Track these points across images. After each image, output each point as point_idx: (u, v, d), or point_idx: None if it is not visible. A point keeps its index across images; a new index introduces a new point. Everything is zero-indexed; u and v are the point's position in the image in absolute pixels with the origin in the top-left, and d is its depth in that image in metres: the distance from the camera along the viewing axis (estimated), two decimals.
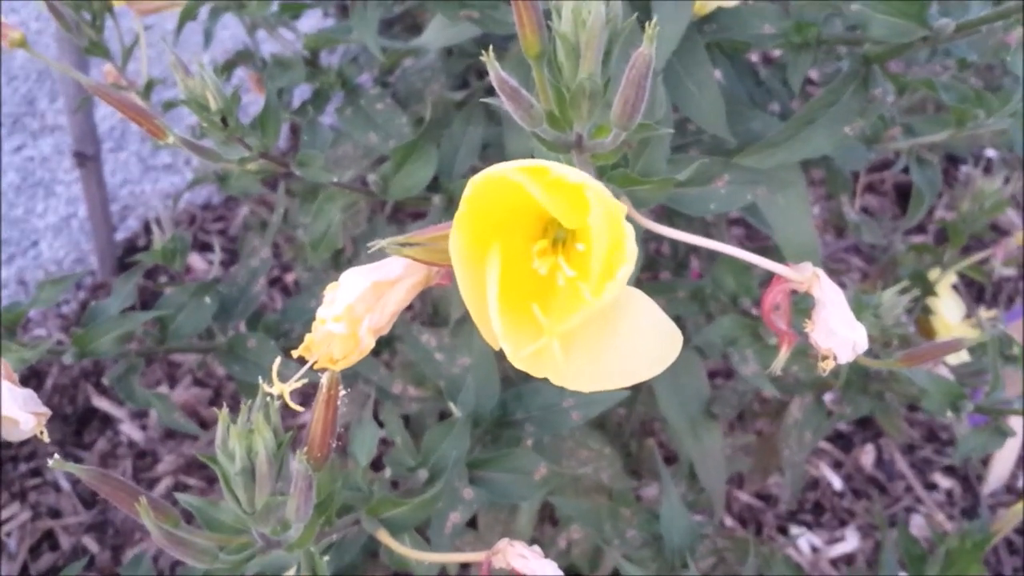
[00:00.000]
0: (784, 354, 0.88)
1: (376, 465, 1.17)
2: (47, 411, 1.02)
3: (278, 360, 0.72)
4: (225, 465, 0.78)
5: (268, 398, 0.75)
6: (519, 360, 0.66)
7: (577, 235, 0.70)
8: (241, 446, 0.77)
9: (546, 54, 0.76)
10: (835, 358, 0.83)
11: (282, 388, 0.71)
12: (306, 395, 0.77)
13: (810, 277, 0.84)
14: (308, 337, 0.74)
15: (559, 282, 0.69)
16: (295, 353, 0.73)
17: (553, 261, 0.69)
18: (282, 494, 0.80)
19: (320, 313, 0.74)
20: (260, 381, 0.75)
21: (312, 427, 0.78)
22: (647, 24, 0.70)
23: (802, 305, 0.99)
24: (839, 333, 0.83)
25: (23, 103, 3.12)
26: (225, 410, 0.79)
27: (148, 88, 1.58)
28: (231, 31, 3.18)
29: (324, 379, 0.76)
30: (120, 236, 2.70)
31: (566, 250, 0.71)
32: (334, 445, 0.81)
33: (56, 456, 0.75)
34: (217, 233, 2.73)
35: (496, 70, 0.71)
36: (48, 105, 3.11)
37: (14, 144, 2.99)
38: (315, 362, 0.74)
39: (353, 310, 0.73)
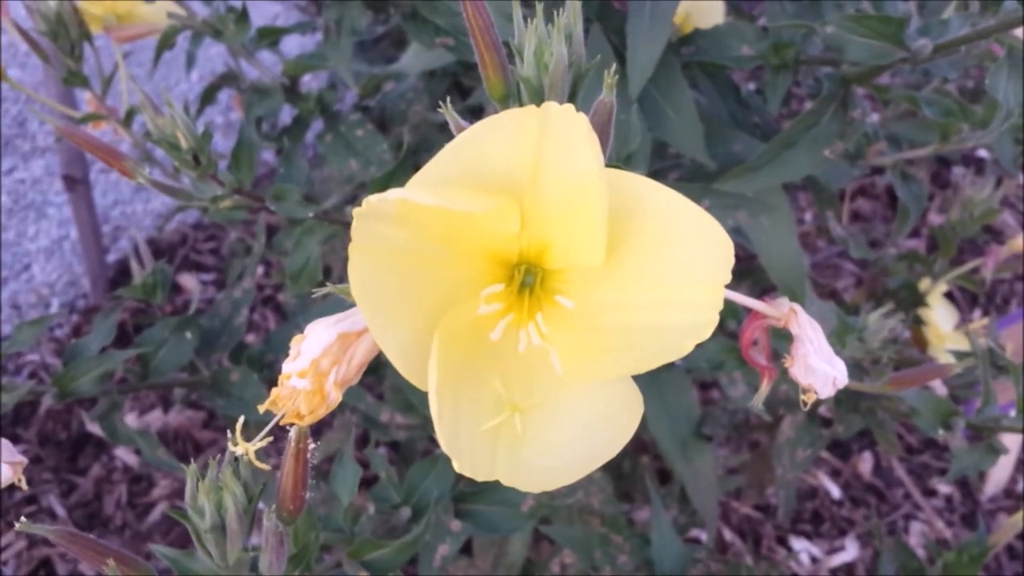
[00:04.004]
0: (765, 389, 0.87)
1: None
2: (23, 460, 1.00)
3: (241, 420, 0.71)
4: (195, 521, 0.77)
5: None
6: (468, 459, 0.60)
7: (563, 280, 0.63)
8: (210, 502, 0.76)
9: (512, 95, 0.75)
10: (816, 393, 0.82)
11: (246, 447, 0.70)
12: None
13: (787, 313, 0.83)
14: (274, 391, 0.72)
15: (519, 347, 0.61)
16: (261, 408, 0.72)
17: (517, 318, 0.62)
18: (255, 548, 0.80)
19: (285, 368, 0.72)
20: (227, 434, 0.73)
21: (283, 481, 0.77)
22: (623, 52, 0.69)
23: (786, 331, 0.97)
24: (818, 370, 0.81)
25: (14, 125, 3.11)
26: (193, 465, 0.78)
27: (128, 117, 1.57)
28: (220, 48, 3.17)
29: (292, 433, 0.75)
30: (112, 258, 2.69)
31: (538, 299, 0.64)
32: (307, 496, 0.80)
33: (23, 519, 0.74)
34: (209, 252, 2.72)
35: (455, 120, 0.70)
36: (39, 127, 3.10)
37: (5, 166, 2.98)
38: (282, 417, 0.72)
39: (318, 365, 0.71)
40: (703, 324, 0.59)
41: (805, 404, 0.83)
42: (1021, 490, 2.20)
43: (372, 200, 0.54)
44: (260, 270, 2.58)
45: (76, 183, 2.33)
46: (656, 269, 0.59)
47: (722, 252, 0.58)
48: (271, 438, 0.71)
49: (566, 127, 0.56)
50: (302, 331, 0.74)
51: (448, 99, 0.70)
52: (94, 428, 2.31)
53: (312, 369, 0.71)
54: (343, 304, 0.70)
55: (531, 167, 0.58)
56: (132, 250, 1.43)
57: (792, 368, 0.82)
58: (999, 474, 2.16)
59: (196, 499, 0.77)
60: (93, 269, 2.54)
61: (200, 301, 2.50)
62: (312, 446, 0.76)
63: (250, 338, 2.36)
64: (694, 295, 0.59)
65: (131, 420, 2.30)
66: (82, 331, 2.46)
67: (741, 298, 0.82)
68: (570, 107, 0.56)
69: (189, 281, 2.63)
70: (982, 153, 2.71)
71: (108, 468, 2.25)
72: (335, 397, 0.73)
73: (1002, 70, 1.01)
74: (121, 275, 2.63)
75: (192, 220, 2.80)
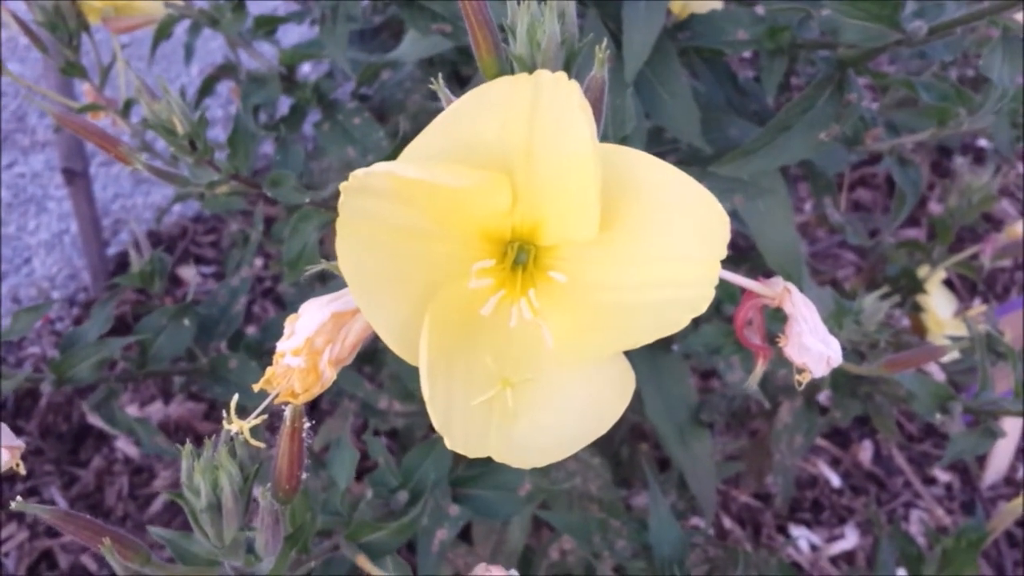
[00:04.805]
0: (760, 369, 0.88)
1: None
2: (21, 444, 1.01)
3: (236, 398, 0.71)
4: (191, 501, 0.78)
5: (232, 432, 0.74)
6: (460, 435, 0.60)
7: (556, 256, 0.63)
8: (206, 482, 0.76)
9: (505, 74, 0.75)
10: (810, 371, 0.83)
11: (241, 425, 0.70)
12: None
13: (781, 292, 0.83)
14: (268, 370, 0.73)
15: (510, 322, 0.61)
16: (255, 387, 0.72)
17: (509, 294, 0.62)
18: (251, 528, 0.80)
19: (279, 346, 0.72)
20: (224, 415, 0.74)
21: (278, 461, 0.77)
22: (619, 37, 0.68)
23: (781, 313, 0.98)
24: (812, 349, 0.82)
25: (13, 119, 3.11)
26: (189, 445, 0.78)
27: (127, 107, 1.57)
28: (219, 41, 3.17)
29: (288, 413, 0.75)
30: (113, 251, 2.70)
31: (531, 276, 0.64)
32: (303, 476, 0.80)
33: (19, 498, 0.74)
34: (209, 245, 2.72)
35: (445, 95, 0.70)
36: (38, 121, 3.11)
37: (5, 161, 2.98)
38: (276, 396, 0.73)
39: (312, 343, 0.72)
40: (698, 299, 0.59)
41: (800, 384, 0.84)
42: (1021, 477, 2.20)
43: (359, 174, 0.54)
44: (260, 262, 2.59)
45: (76, 176, 2.34)
46: (651, 244, 0.59)
47: (718, 227, 0.58)
48: (266, 416, 0.71)
49: (559, 94, 0.56)
50: None
51: (440, 75, 0.70)
52: (95, 420, 2.31)
53: (306, 347, 0.72)
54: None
55: (524, 136, 0.57)
56: (132, 242, 1.43)
57: (786, 347, 0.82)
58: (999, 462, 2.16)
59: (192, 479, 0.77)
60: (93, 262, 2.55)
61: (200, 293, 2.50)
62: (307, 426, 0.77)
63: (251, 330, 2.36)
64: (689, 270, 0.58)
65: (132, 412, 2.30)
66: (83, 324, 2.47)
67: (735, 277, 0.82)
68: (562, 75, 0.56)
69: (189, 273, 2.63)
70: (982, 142, 2.71)
71: (109, 460, 2.25)
72: (329, 375, 0.73)
73: (997, 51, 1.01)
74: (121, 268, 2.63)
75: (192, 213, 2.80)
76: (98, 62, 1.51)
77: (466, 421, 0.61)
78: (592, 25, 1.17)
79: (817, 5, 1.11)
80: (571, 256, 0.63)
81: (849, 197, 2.63)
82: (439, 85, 0.68)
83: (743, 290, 0.85)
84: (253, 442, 0.71)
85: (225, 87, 2.91)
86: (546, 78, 0.56)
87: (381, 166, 0.55)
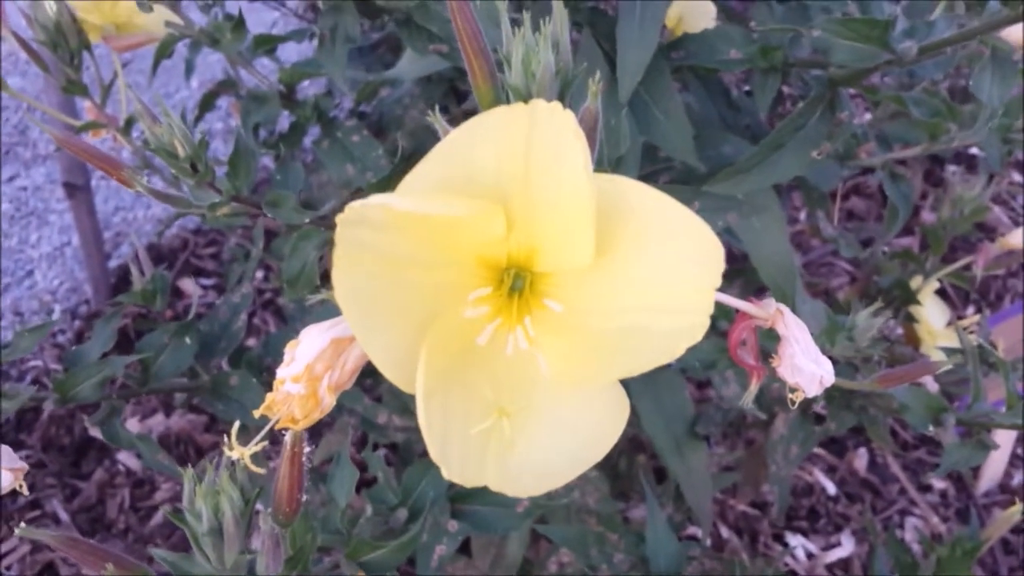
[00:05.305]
0: (753, 388, 0.88)
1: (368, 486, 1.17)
2: (24, 466, 1.02)
3: (236, 425, 0.72)
4: (193, 525, 0.79)
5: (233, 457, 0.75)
6: (457, 466, 0.61)
7: (552, 284, 0.64)
8: (207, 506, 0.78)
9: (501, 103, 0.76)
10: (803, 391, 0.84)
11: (242, 452, 0.71)
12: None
13: (774, 313, 0.84)
14: (268, 396, 0.74)
15: (506, 350, 0.62)
16: (256, 413, 0.73)
17: (505, 322, 0.63)
18: (253, 551, 0.81)
19: (279, 373, 0.73)
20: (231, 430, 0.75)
21: (278, 484, 0.78)
22: (613, 57, 0.69)
23: (775, 332, 0.99)
24: (805, 369, 0.83)
25: (15, 133, 3.13)
26: (191, 469, 0.79)
27: (128, 125, 1.58)
28: (218, 56, 3.18)
29: (288, 437, 0.76)
30: (114, 263, 2.71)
31: (527, 303, 0.65)
32: (303, 499, 0.81)
33: (22, 524, 0.76)
34: (210, 257, 2.74)
35: (443, 127, 0.71)
36: (40, 134, 3.12)
37: (7, 174, 3.00)
38: (277, 422, 0.74)
39: (312, 369, 0.73)
40: (694, 328, 0.59)
41: (793, 403, 0.85)
42: (1015, 484, 2.21)
43: (355, 206, 0.55)
44: (260, 274, 2.60)
45: (77, 190, 2.35)
46: (646, 272, 0.60)
47: (713, 256, 0.59)
48: (266, 442, 0.72)
49: (554, 124, 0.57)
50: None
51: (437, 107, 0.71)
52: (97, 433, 2.32)
53: (306, 374, 0.73)
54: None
55: (520, 165, 0.58)
56: (132, 256, 1.44)
57: (779, 368, 0.83)
58: (993, 469, 2.17)
59: (193, 503, 0.78)
60: (95, 275, 2.56)
61: (201, 306, 2.52)
62: (308, 449, 0.78)
63: (251, 342, 2.37)
64: (685, 299, 0.59)
65: (133, 425, 2.31)
66: (84, 337, 2.48)
67: (728, 299, 0.83)
68: (557, 104, 0.57)
69: (190, 286, 2.64)
70: (975, 150, 2.72)
71: (111, 472, 2.27)
72: (329, 401, 0.74)
73: (986, 71, 1.02)
74: (123, 280, 2.65)
75: (193, 225, 2.81)
76: (99, 78, 1.52)
77: (463, 451, 0.62)
78: (586, 45, 1.18)
79: (808, 25, 1.12)
80: (566, 283, 0.63)
81: (843, 206, 2.64)
82: (436, 117, 0.70)
83: (737, 309, 0.86)
84: (254, 468, 0.72)
85: (225, 101, 2.93)
86: (542, 108, 0.57)
87: (377, 198, 0.57)
